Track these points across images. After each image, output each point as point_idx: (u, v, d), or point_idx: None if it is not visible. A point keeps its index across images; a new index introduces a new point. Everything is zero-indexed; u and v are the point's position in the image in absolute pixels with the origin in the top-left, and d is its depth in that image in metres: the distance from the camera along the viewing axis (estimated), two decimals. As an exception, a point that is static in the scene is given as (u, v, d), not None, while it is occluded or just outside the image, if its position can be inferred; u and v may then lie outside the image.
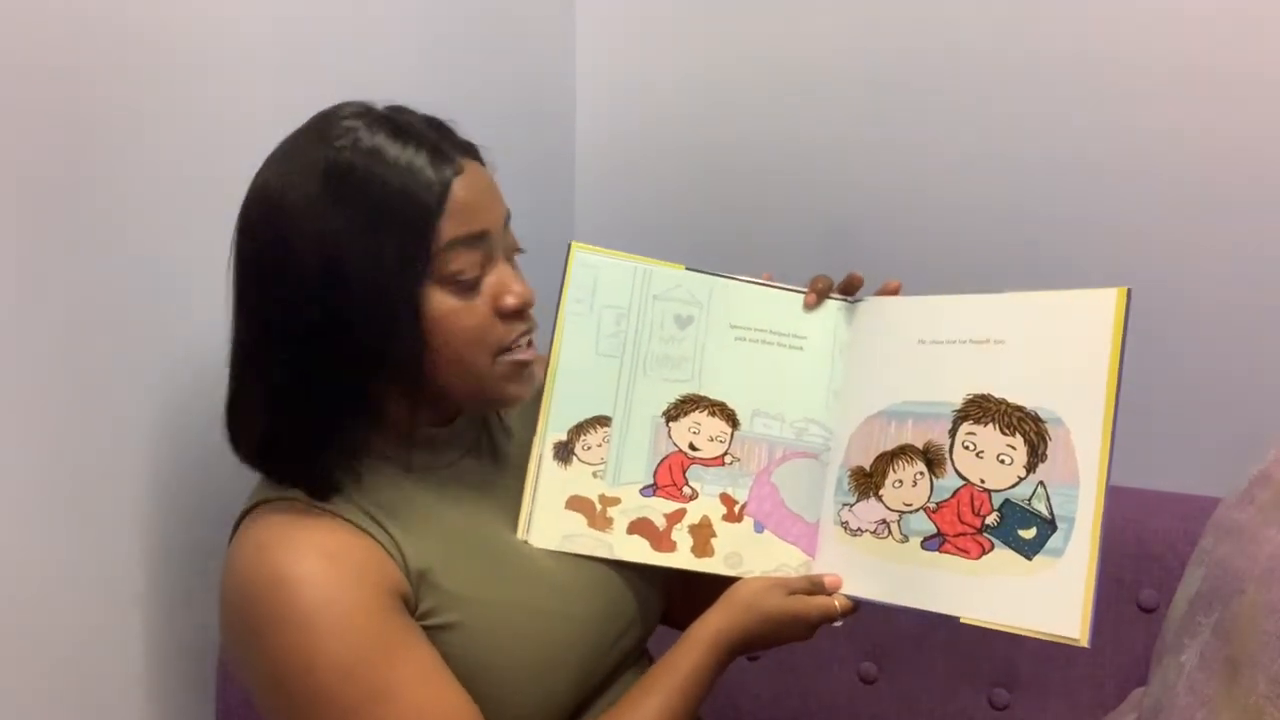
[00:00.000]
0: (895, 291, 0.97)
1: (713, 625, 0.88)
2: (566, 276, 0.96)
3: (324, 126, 0.82)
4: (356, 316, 0.79)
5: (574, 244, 0.96)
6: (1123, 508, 1.24)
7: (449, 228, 0.80)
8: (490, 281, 0.84)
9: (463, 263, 0.81)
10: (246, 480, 0.87)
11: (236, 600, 0.81)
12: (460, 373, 0.84)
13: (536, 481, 0.93)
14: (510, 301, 0.84)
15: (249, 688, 0.84)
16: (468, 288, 0.82)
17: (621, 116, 1.63)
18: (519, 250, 0.88)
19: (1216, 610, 0.89)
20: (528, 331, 0.87)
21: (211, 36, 1.02)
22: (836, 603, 0.89)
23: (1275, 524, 0.88)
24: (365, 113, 0.83)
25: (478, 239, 0.82)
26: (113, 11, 0.92)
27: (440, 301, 0.81)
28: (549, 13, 1.58)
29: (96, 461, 0.94)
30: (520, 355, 0.86)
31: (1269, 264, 1.33)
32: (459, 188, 0.81)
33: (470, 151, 0.85)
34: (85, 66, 0.90)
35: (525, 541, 0.92)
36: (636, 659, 0.98)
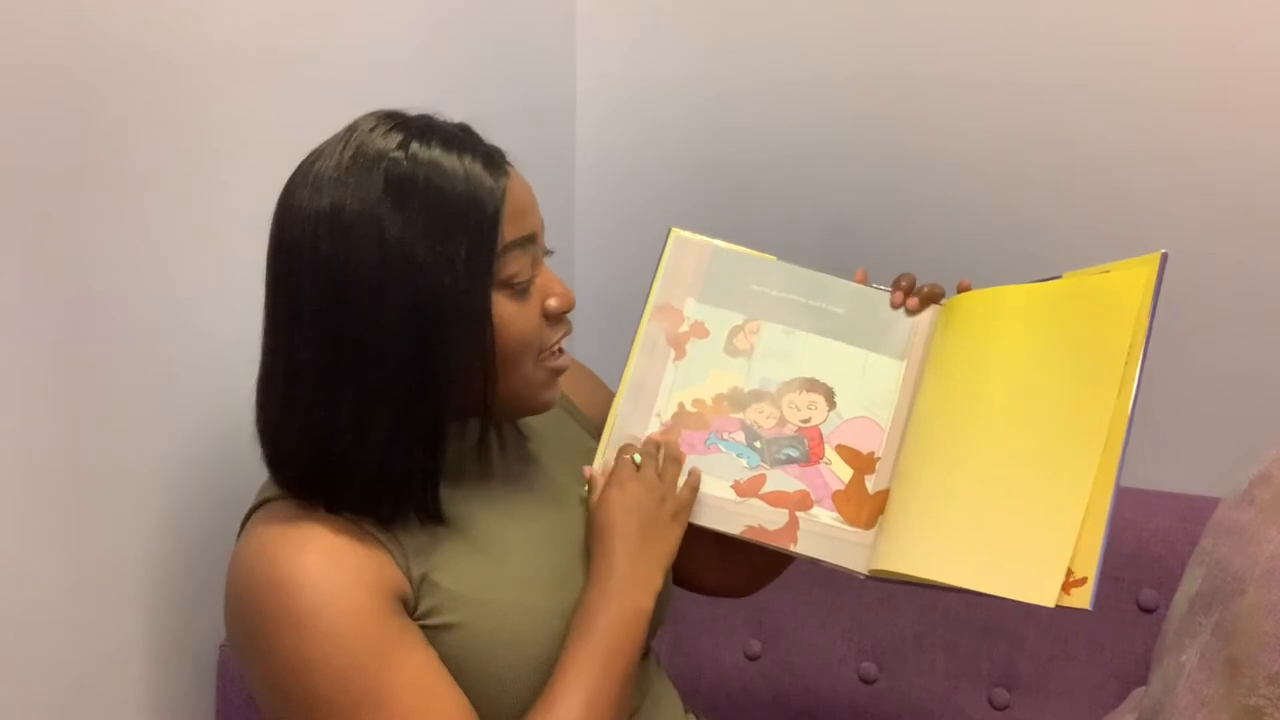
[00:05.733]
0: (967, 288, 0.99)
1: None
2: (662, 258, 1.01)
3: (367, 140, 0.81)
4: (432, 327, 0.78)
5: (673, 229, 1.01)
6: (1123, 508, 1.24)
7: (508, 231, 0.81)
8: (538, 284, 0.85)
9: (518, 265, 0.83)
10: (254, 479, 0.87)
11: (239, 599, 0.81)
12: (510, 376, 0.84)
13: (610, 433, 0.98)
14: (554, 304, 0.86)
15: (250, 685, 0.84)
16: (522, 291, 0.84)
17: (621, 117, 1.63)
18: (549, 253, 0.90)
19: (1216, 610, 0.89)
20: (567, 333, 0.89)
21: (214, 37, 1.02)
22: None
23: (1275, 524, 0.88)
24: (405, 123, 0.82)
25: (529, 241, 0.84)
26: (121, 13, 0.92)
27: (502, 306, 0.82)
28: (549, 13, 1.58)
29: (101, 461, 0.95)
30: (558, 362, 0.88)
31: (1269, 264, 1.33)
32: (511, 193, 0.82)
33: (505, 158, 0.86)
34: (91, 68, 0.91)
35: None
36: (641, 657, 0.98)
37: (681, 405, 0.98)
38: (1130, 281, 0.87)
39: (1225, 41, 1.30)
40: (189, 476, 1.02)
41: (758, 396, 0.98)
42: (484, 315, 0.81)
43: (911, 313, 1.00)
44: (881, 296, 1.01)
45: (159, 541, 1.01)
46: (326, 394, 0.80)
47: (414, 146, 0.80)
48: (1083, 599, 0.80)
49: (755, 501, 0.95)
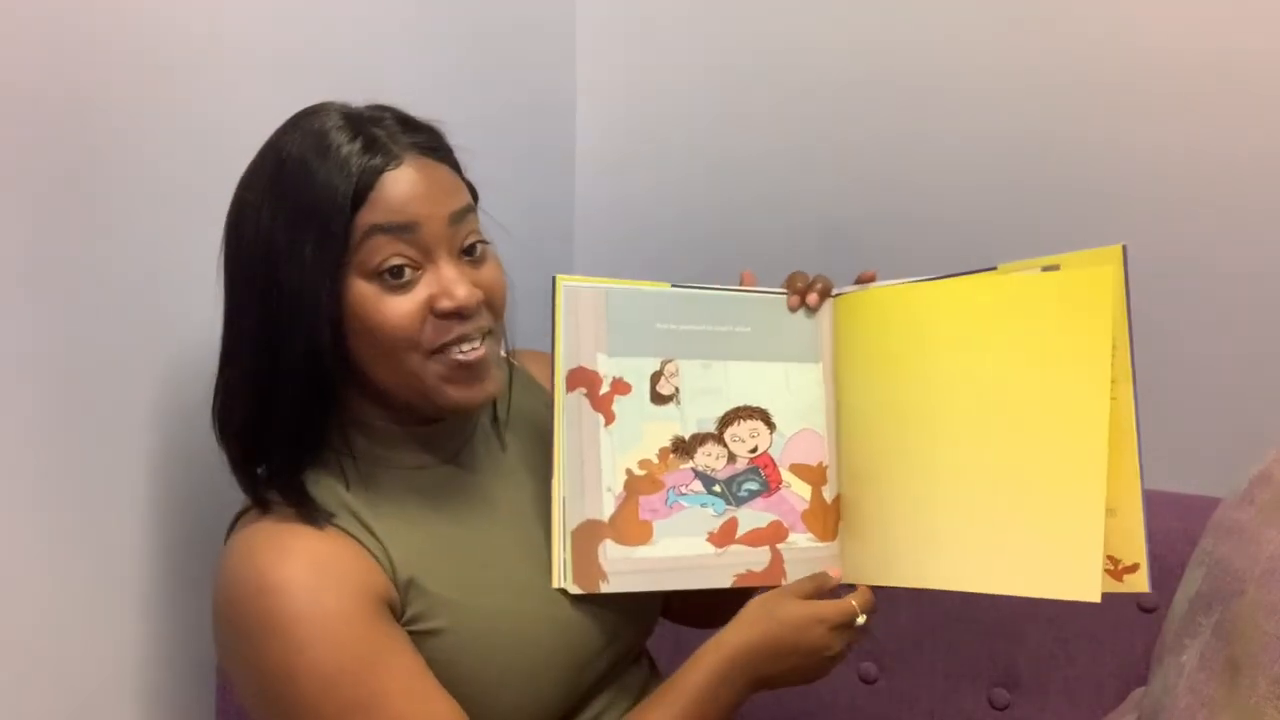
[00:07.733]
0: (872, 280, 0.96)
1: (723, 641, 0.86)
2: (556, 312, 0.92)
3: (287, 125, 0.84)
4: (281, 308, 0.80)
5: (558, 277, 0.92)
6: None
7: (368, 216, 0.79)
8: (428, 280, 0.82)
9: (385, 253, 0.80)
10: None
11: (225, 606, 0.81)
12: (392, 370, 0.82)
13: (560, 523, 0.90)
14: (445, 304, 0.81)
15: (239, 692, 0.84)
16: (398, 284, 0.80)
17: (621, 116, 1.63)
18: (483, 241, 0.85)
19: (1217, 610, 0.89)
20: (468, 335, 0.83)
21: (211, 37, 1.02)
22: (854, 601, 0.87)
23: (1275, 524, 0.88)
24: (328, 109, 0.84)
25: (402, 229, 0.80)
26: (115, 11, 0.92)
27: (362, 294, 0.80)
28: (549, 13, 1.58)
29: (96, 461, 0.94)
30: (461, 356, 0.83)
31: (1269, 263, 1.33)
32: (389, 180, 0.80)
33: (431, 151, 0.83)
34: (85, 65, 0.90)
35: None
36: (634, 660, 0.98)
37: (629, 471, 0.92)
38: (1096, 280, 0.86)
39: (1220, 41, 1.30)
40: (189, 475, 1.02)
41: (700, 440, 0.94)
42: (328, 301, 0.79)
43: (812, 311, 0.97)
44: (779, 301, 0.97)
45: (159, 541, 1.01)
46: (232, 368, 0.85)
47: (304, 132, 0.82)
48: (1140, 583, 0.84)
49: (736, 548, 0.93)
